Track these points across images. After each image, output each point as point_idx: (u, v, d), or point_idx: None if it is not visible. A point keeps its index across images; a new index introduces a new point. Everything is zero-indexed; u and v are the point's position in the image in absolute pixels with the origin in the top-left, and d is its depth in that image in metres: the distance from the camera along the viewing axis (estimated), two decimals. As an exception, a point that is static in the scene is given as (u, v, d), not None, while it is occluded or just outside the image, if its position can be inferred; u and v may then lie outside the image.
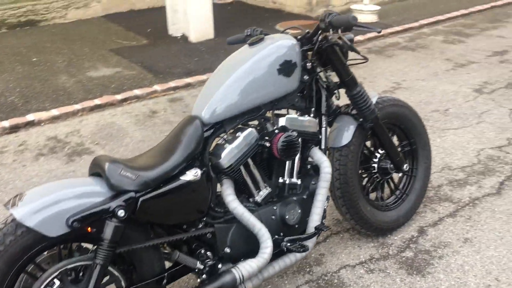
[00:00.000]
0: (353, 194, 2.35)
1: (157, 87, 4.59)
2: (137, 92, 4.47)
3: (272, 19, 6.85)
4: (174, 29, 6.15)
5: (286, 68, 2.03)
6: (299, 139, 2.05)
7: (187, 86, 4.69)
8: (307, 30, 2.19)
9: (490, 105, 4.11)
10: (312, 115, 2.21)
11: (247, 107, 2.00)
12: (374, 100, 2.37)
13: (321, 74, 2.24)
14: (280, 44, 2.05)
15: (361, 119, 2.32)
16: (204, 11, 5.84)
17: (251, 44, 2.08)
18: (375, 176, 2.53)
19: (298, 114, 2.19)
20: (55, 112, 4.09)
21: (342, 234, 2.62)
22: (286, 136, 1.98)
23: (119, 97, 4.37)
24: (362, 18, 6.61)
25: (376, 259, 2.41)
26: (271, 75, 2.01)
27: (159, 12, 6.83)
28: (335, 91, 2.29)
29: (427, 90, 4.47)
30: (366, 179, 2.54)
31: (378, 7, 6.71)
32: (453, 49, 5.59)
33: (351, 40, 2.11)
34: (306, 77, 2.16)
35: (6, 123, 3.87)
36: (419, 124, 2.63)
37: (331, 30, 2.03)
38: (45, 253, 1.71)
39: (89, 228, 1.65)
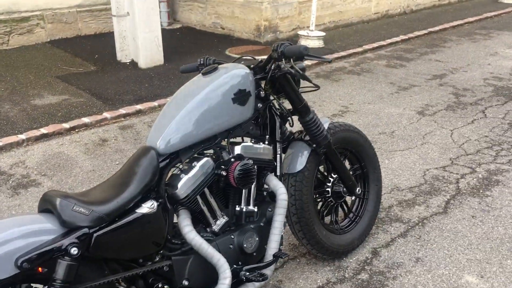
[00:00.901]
0: (309, 219, 2.38)
1: (106, 114, 4.50)
2: (85, 120, 4.36)
3: (222, 45, 6.92)
4: (123, 55, 6.08)
5: (240, 97, 2.05)
6: (255, 167, 2.07)
7: (138, 113, 4.63)
8: (260, 59, 2.24)
9: (432, 127, 4.32)
10: (266, 142, 2.24)
11: (203, 136, 1.99)
12: (326, 125, 2.44)
13: (274, 101, 2.28)
14: (234, 74, 2.08)
15: (314, 145, 2.37)
16: (153, 37, 5.82)
17: (204, 74, 2.09)
18: (329, 200, 2.58)
19: (253, 141, 2.21)
20: (-3, 142, 3.91)
21: (299, 259, 2.64)
22: (242, 165, 1.99)
23: (66, 125, 4.25)
24: (308, 44, 6.81)
25: (333, 283, 2.45)
26: (226, 104, 2.02)
27: (107, 38, 6.76)
28: (289, 118, 2.34)
29: (373, 113, 4.64)
30: (320, 203, 2.59)
31: (323, 33, 6.94)
32: (395, 73, 5.84)
33: (303, 69, 2.17)
34: (260, 105, 2.19)
35: None
36: (369, 148, 2.72)
37: (283, 59, 2.08)
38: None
39: (39, 268, 1.58)
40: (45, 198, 1.71)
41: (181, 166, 1.99)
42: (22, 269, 1.52)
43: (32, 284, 1.70)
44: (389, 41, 7.22)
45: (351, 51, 6.69)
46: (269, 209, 2.19)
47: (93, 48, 6.65)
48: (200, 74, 2.14)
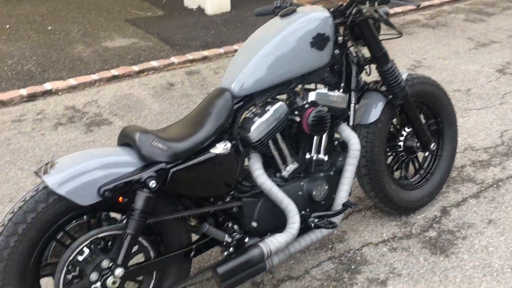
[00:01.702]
0: (379, 172, 2.32)
1: (174, 59, 4.54)
2: (154, 63, 4.43)
3: (289, -7, 6.71)
4: (190, 1, 6.05)
5: (319, 41, 1.98)
6: (329, 114, 2.01)
7: (204, 59, 4.63)
8: (340, 3, 2.13)
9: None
10: (341, 90, 2.17)
11: (278, 80, 1.96)
12: (404, 76, 2.32)
13: (352, 48, 2.19)
14: (314, 17, 2.00)
15: (390, 96, 2.27)
16: (221, -18, 5.73)
17: (282, 16, 2.03)
18: (400, 154, 2.50)
19: (327, 89, 2.14)
20: (72, 81, 4.06)
21: (364, 212, 2.60)
22: (316, 111, 1.95)
23: (136, 68, 4.33)
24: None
25: (399, 238, 2.40)
26: (303, 48, 1.96)
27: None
28: (366, 67, 2.24)
29: (448, 69, 4.39)
30: (390, 158, 2.51)
31: (398, -17, 6.54)
32: (474, 28, 5.46)
33: (387, 14, 2.05)
34: (337, 51, 2.11)
35: (23, 91, 3.86)
36: (448, 103, 2.58)
37: (367, 2, 1.96)
38: (74, 222, 1.70)
39: (120, 198, 1.64)
40: (125, 133, 1.76)
41: (254, 110, 1.97)
42: (104, 197, 1.59)
43: (110, 214, 1.79)
44: (468, -7, 6.72)
45: (427, 3, 6.30)
46: (340, 159, 2.14)
47: (161, -7, 6.65)
48: (278, 16, 2.07)
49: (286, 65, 1.95)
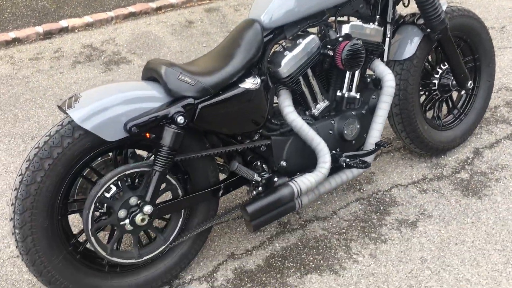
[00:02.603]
0: (411, 111, 2.22)
1: (192, -5, 4.35)
2: (172, 0, 4.25)
3: None
4: None
5: None
6: (364, 48, 1.89)
7: (224, -5, 4.43)
8: None
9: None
10: (376, 23, 2.03)
11: (310, 11, 1.82)
12: (443, 8, 2.16)
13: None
14: None
15: (428, 30, 2.12)
16: None
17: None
18: (434, 93, 2.38)
19: (362, 22, 2.01)
20: (88, 19, 3.92)
21: (393, 153, 2.52)
22: (352, 45, 1.82)
23: (153, 5, 4.16)
24: None
25: (430, 180, 2.33)
26: None
27: None
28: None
29: (482, 5, 4.14)
30: (423, 96, 2.40)
31: None
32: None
33: None
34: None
35: (39, 29, 3.75)
36: (487, 38, 2.42)
37: None
38: (100, 158, 1.66)
39: (147, 134, 1.58)
40: (150, 66, 1.67)
41: (285, 43, 1.86)
42: (131, 133, 1.53)
43: (136, 151, 1.73)
44: None
45: None
46: (373, 97, 2.04)
47: None
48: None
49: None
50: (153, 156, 1.62)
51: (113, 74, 3.28)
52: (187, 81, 1.59)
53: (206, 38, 3.73)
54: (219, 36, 3.74)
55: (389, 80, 1.99)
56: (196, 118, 1.62)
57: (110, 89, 1.58)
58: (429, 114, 2.46)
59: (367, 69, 2.10)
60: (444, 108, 2.51)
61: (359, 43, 1.85)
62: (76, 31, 3.83)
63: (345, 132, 1.96)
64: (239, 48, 1.73)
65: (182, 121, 1.57)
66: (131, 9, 4.08)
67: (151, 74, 1.66)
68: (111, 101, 1.52)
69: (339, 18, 1.95)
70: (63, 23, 3.84)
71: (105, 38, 3.73)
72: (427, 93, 2.39)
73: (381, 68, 2.02)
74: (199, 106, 1.61)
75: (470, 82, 2.36)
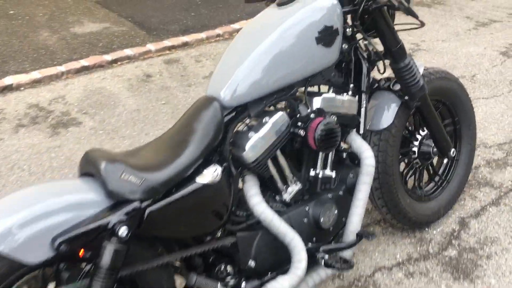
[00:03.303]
0: (392, 185, 1.99)
1: (151, 46, 4.10)
2: (128, 52, 3.99)
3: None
4: (167, -21, 5.56)
5: (326, 35, 1.61)
6: (339, 126, 1.66)
7: (184, 45, 4.21)
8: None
9: (519, 70, 3.73)
10: (350, 92, 1.82)
11: (277, 85, 1.59)
12: (421, 71, 1.97)
13: (361, 41, 1.83)
14: (319, 5, 1.63)
15: (406, 97, 1.93)
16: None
17: (280, 4, 1.65)
18: (414, 161, 2.17)
19: (332, 91, 1.79)
20: (36, 74, 3.61)
21: (373, 226, 2.28)
22: (325, 124, 1.59)
23: (108, 57, 3.89)
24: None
25: (415, 259, 2.09)
26: (308, 45, 1.59)
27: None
28: (378, 63, 1.89)
29: (449, 52, 4.06)
30: (402, 165, 2.18)
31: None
32: (472, 6, 5.13)
33: (408, 0, 1.69)
34: (345, 46, 1.75)
35: (-20, 88, 3.41)
36: (466, 100, 2.26)
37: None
38: (24, 277, 1.33)
39: (81, 251, 1.27)
40: (88, 159, 1.38)
41: (249, 122, 1.61)
42: (59, 251, 1.22)
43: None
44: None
45: (419, -22, 5.92)
46: (351, 175, 1.81)
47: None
48: (274, 4, 1.69)
49: (287, 66, 1.58)
50: (90, 278, 1.31)
51: (61, 139, 2.96)
52: (132, 180, 1.31)
53: (165, 93, 3.47)
54: (179, 91, 3.49)
55: (368, 157, 1.77)
56: (144, 224, 1.33)
57: (34, 194, 1.28)
58: (410, 183, 2.24)
59: (342, 142, 1.88)
60: (425, 176, 2.30)
61: (333, 120, 1.63)
62: (22, 88, 3.50)
63: (322, 219, 1.70)
64: (196, 133, 1.47)
65: (125, 233, 1.27)
66: (84, 62, 3.80)
67: (88, 169, 1.37)
68: (33, 212, 1.22)
69: (309, 88, 1.73)
70: (8, 80, 3.51)
71: (53, 96, 3.42)
72: (406, 162, 2.18)
73: (358, 143, 1.80)
74: (147, 210, 1.33)
75: (453, 149, 2.17)
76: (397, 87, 1.95)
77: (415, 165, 2.18)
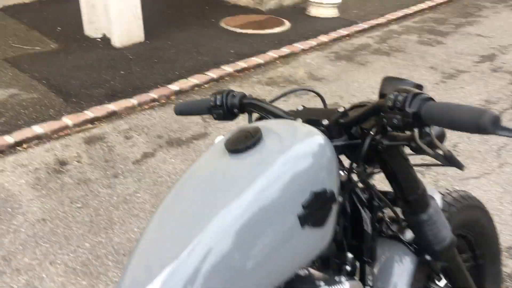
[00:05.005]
0: None
1: (68, 119, 3.32)
2: (38, 129, 3.19)
3: (215, 14, 5.66)
4: (92, 29, 4.81)
5: (315, 210, 0.93)
6: None
7: (111, 116, 3.46)
8: (340, 108, 1.11)
9: (504, 137, 3.24)
10: (349, 268, 1.14)
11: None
12: (439, 203, 1.33)
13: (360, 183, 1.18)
14: (300, 151, 0.95)
15: (427, 257, 1.28)
16: (130, 6, 4.54)
17: (234, 151, 0.95)
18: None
19: (325, 283, 1.11)
20: None
21: None
22: None
23: (10, 139, 3.07)
24: (321, 13, 5.61)
25: None
26: (287, 231, 0.90)
27: (74, 4, 5.44)
28: (384, 212, 1.24)
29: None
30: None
31: (338, 0, 5.69)
32: (433, 53, 4.72)
33: (442, 135, 1.05)
34: (339, 198, 1.08)
35: None
36: (491, 228, 1.66)
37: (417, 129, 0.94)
38: None
39: None
40: None
41: None
42: None
43: None
44: (414, 8, 6.03)
45: (373, 22, 5.51)
46: None
47: (55, 19, 5.34)
48: (222, 146, 1.00)
49: (251, 270, 0.88)
50: None
51: None
52: None
53: (83, 191, 2.69)
54: (102, 185, 2.72)
55: None
56: None
57: None
58: None
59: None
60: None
61: None
62: None
63: None
64: None
65: None
66: (-23, 148, 2.96)
67: None
68: None
69: None
70: None
71: None
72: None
73: None
74: None
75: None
76: (409, 235, 1.30)
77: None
